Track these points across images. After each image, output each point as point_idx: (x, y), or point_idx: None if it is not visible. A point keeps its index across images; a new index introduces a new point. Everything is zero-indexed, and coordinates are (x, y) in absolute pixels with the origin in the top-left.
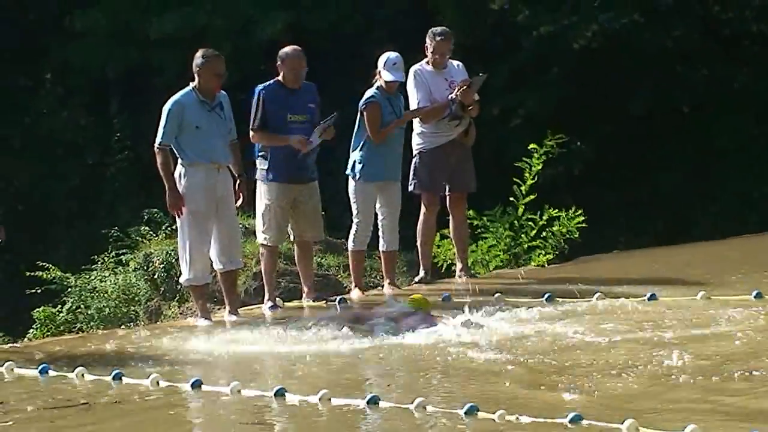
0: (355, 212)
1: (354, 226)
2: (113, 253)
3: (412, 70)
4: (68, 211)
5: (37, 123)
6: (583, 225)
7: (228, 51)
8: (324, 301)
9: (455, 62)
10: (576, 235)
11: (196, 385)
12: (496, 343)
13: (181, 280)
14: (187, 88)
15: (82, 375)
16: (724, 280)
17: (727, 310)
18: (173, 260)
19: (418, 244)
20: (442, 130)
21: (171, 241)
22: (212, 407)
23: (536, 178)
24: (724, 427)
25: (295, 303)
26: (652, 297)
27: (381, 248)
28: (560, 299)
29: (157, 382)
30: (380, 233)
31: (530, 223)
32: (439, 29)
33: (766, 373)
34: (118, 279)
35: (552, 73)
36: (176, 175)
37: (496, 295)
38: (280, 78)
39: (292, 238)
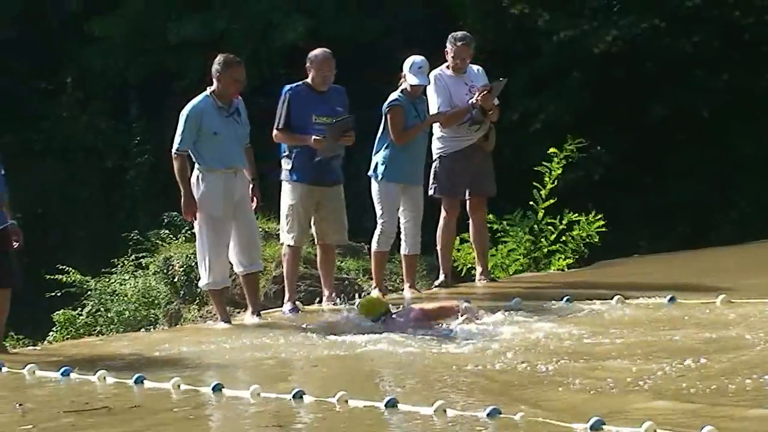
0: (379, 213)
1: (378, 227)
2: (133, 257)
3: (432, 74)
4: (88, 215)
5: (57, 127)
6: (603, 229)
7: (247, 55)
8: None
9: (475, 67)
10: (596, 240)
11: (217, 388)
12: (515, 346)
13: (201, 284)
14: (204, 93)
15: (104, 378)
16: (743, 285)
17: (746, 315)
18: (193, 263)
19: (438, 248)
20: (462, 135)
21: (191, 244)
22: (232, 410)
23: (556, 183)
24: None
25: (314, 306)
26: (672, 300)
27: (402, 252)
28: (580, 302)
29: (179, 386)
30: (402, 236)
31: (550, 227)
32: (460, 34)
33: None
34: (137, 282)
35: (572, 78)
36: (193, 179)
37: (516, 299)
38: (308, 80)
39: (315, 240)
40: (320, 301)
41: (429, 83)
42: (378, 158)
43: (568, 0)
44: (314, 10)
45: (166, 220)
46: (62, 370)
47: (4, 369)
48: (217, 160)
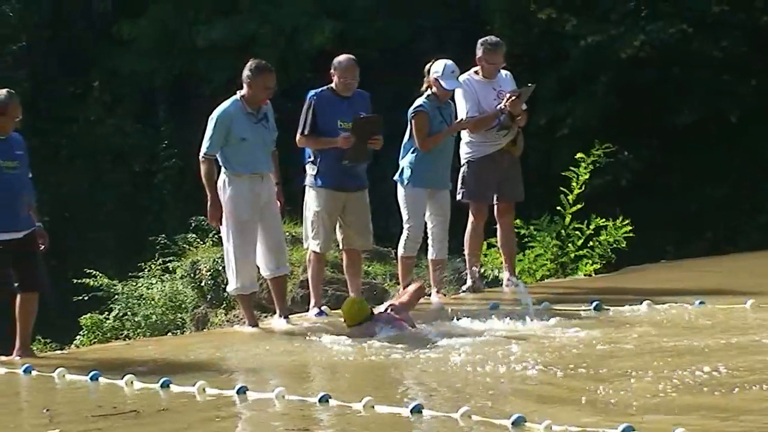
0: (405, 218)
1: (405, 232)
2: (160, 261)
3: (460, 79)
4: (115, 219)
5: (85, 131)
6: (631, 235)
7: (275, 59)
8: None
9: (504, 72)
10: (623, 245)
11: (242, 391)
12: (541, 351)
13: (229, 289)
14: (234, 97)
15: (131, 382)
16: None
17: None
18: (220, 268)
19: (466, 252)
20: (490, 140)
21: (218, 248)
22: (258, 414)
23: (583, 188)
24: None
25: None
26: (701, 305)
27: (430, 256)
28: (608, 307)
29: (204, 389)
30: (429, 241)
31: (577, 232)
32: (493, 39)
33: None
34: (164, 286)
35: (599, 83)
36: (219, 183)
37: (543, 303)
38: (332, 85)
39: (340, 246)
40: None
41: (461, 87)
42: (404, 163)
43: (596, 5)
44: (342, 14)
45: (193, 224)
46: (91, 374)
47: (34, 372)
48: (244, 165)
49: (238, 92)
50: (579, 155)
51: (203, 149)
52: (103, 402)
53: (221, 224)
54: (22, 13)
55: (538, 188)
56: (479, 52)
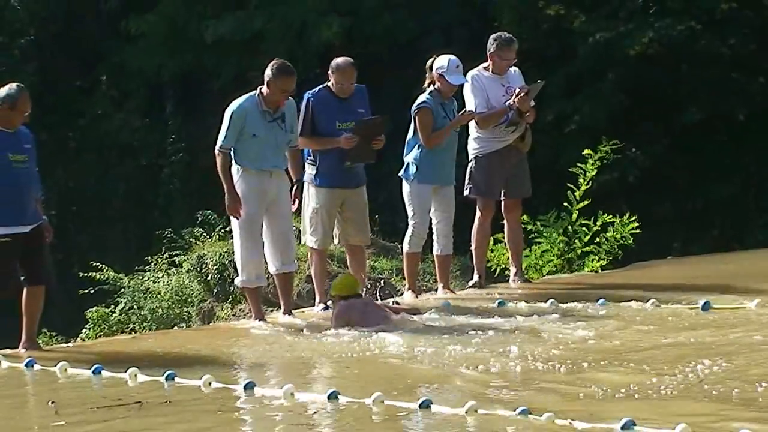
0: (410, 214)
1: (410, 228)
2: (166, 255)
3: (469, 75)
4: (122, 212)
5: (93, 125)
6: (637, 231)
7: (283, 55)
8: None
9: (513, 68)
10: (630, 242)
11: (249, 387)
12: (547, 346)
13: (236, 282)
14: (253, 93)
15: (135, 375)
16: None
17: None
18: (226, 262)
19: (473, 248)
20: (498, 136)
21: (224, 242)
22: (264, 409)
23: (590, 184)
24: None
25: None
26: (706, 303)
27: (435, 252)
28: (613, 304)
29: (210, 383)
30: (435, 237)
31: (584, 228)
32: (506, 35)
33: None
34: (171, 280)
35: (607, 80)
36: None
37: (550, 300)
38: (330, 84)
39: (336, 241)
40: None
41: (466, 82)
42: (409, 159)
43: (604, 2)
44: (350, 10)
45: (200, 219)
46: (94, 367)
47: (37, 366)
48: (251, 161)
49: (259, 88)
50: (586, 152)
51: (218, 143)
52: (107, 395)
53: (240, 215)
54: (30, 7)
55: (545, 184)
56: (492, 48)
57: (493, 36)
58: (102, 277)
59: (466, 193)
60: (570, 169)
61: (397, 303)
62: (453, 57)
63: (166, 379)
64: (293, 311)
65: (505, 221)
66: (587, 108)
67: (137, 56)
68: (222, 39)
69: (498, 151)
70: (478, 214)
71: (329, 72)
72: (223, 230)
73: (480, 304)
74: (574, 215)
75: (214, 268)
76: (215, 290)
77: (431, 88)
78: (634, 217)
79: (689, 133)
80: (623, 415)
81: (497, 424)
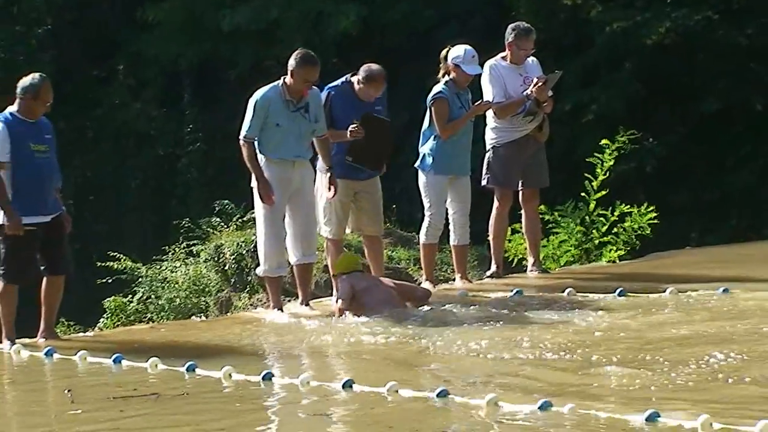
0: (427, 205)
1: (426, 219)
2: (184, 244)
3: (487, 64)
4: (139, 202)
5: (110, 114)
6: (655, 221)
7: (299, 44)
8: None
9: (530, 58)
10: (647, 232)
11: (267, 377)
12: (565, 337)
13: (257, 271)
14: (277, 83)
15: (156, 365)
16: None
17: None
18: (244, 251)
19: (490, 238)
20: (516, 126)
21: (242, 232)
22: (281, 399)
23: (608, 174)
24: None
25: None
26: (725, 292)
27: (452, 242)
28: (631, 294)
29: (230, 375)
30: (451, 227)
31: (602, 218)
32: (525, 25)
33: None
34: (188, 270)
35: (624, 70)
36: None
37: (568, 290)
38: (353, 81)
39: (349, 231)
40: None
41: (482, 72)
42: (425, 150)
43: None
44: None
45: (217, 208)
46: (114, 357)
47: (56, 355)
48: (273, 150)
49: (283, 77)
50: (604, 141)
51: (243, 132)
52: (126, 384)
53: (273, 201)
54: None
55: (562, 174)
56: (510, 37)
57: (511, 26)
58: (119, 266)
59: (483, 183)
60: (587, 159)
61: None
62: (468, 47)
63: (187, 370)
64: (310, 302)
65: (522, 211)
66: (604, 98)
67: (154, 45)
68: (239, 28)
69: (516, 141)
70: (495, 204)
71: (359, 77)
72: (240, 220)
73: (497, 294)
74: (592, 205)
75: (232, 257)
76: (233, 280)
77: (446, 78)
78: (651, 208)
79: (706, 123)
80: (642, 405)
81: (519, 415)
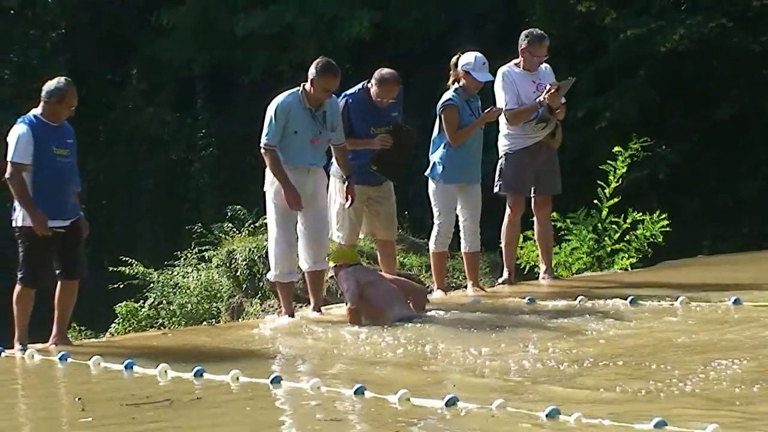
0: (436, 213)
1: (435, 228)
2: (196, 250)
3: (500, 71)
4: (152, 207)
5: (123, 118)
6: (667, 229)
7: (313, 49)
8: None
9: (544, 65)
10: (660, 239)
11: (276, 381)
12: (574, 345)
13: (269, 276)
14: (296, 89)
15: (165, 371)
16: None
17: None
18: (256, 257)
19: (502, 245)
20: (528, 132)
21: (254, 238)
22: (291, 403)
23: (621, 182)
24: None
25: None
26: (736, 302)
27: (463, 250)
28: (643, 302)
29: (237, 378)
30: (462, 235)
31: (614, 226)
32: (538, 32)
33: None
34: (200, 275)
35: (638, 77)
36: (268, 170)
37: (579, 297)
38: (369, 87)
39: (362, 235)
40: None
41: (493, 79)
42: (435, 158)
43: None
44: (381, 4)
45: (229, 213)
46: (126, 363)
47: (69, 359)
48: (290, 157)
49: (301, 84)
50: (616, 148)
51: (263, 140)
52: (137, 391)
53: (301, 207)
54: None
55: (575, 181)
56: (523, 44)
57: (525, 32)
58: (131, 271)
59: (496, 189)
60: (600, 166)
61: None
62: (479, 54)
63: (195, 375)
64: (322, 308)
65: (535, 218)
66: (618, 104)
67: (168, 49)
68: (253, 33)
69: (528, 148)
70: (508, 210)
71: (372, 81)
72: (252, 225)
73: (509, 301)
74: (604, 212)
75: (244, 263)
76: (244, 286)
77: (456, 85)
78: (664, 215)
79: (720, 130)
80: (650, 413)
81: (527, 421)
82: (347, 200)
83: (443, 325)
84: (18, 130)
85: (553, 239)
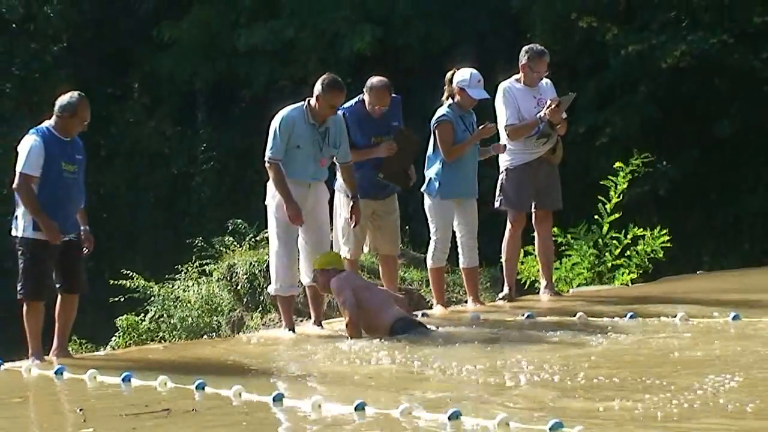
0: (433, 229)
1: (432, 243)
2: (197, 263)
3: (501, 86)
4: (153, 220)
5: (124, 132)
6: (668, 245)
7: (314, 64)
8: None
9: (545, 80)
10: (661, 255)
11: (277, 398)
12: (575, 362)
13: (269, 289)
14: (301, 104)
15: (165, 384)
16: None
17: None
18: (257, 271)
19: (503, 260)
20: (529, 148)
21: (255, 252)
22: (289, 420)
23: (621, 197)
24: None
25: None
26: (736, 318)
27: (462, 265)
28: (643, 318)
29: (240, 394)
30: (460, 250)
31: (615, 241)
32: (538, 47)
33: None
34: (201, 289)
35: (639, 92)
36: (269, 184)
37: (579, 314)
38: (365, 98)
39: (367, 250)
40: None
41: (489, 97)
42: (431, 174)
43: (637, 15)
44: (383, 20)
45: (230, 227)
46: (123, 375)
47: (66, 374)
48: (291, 171)
49: (306, 99)
50: (617, 164)
51: (267, 154)
52: (136, 402)
53: (303, 221)
54: (63, 13)
55: (576, 197)
56: (523, 59)
57: (525, 48)
58: (132, 284)
59: (497, 204)
60: (601, 182)
61: (426, 316)
62: (474, 71)
63: (197, 388)
64: (323, 322)
65: (535, 233)
66: (619, 120)
67: (169, 64)
68: (254, 47)
69: (529, 163)
70: (508, 226)
71: (364, 89)
72: (253, 239)
73: (509, 317)
74: (605, 228)
75: (245, 277)
76: (245, 299)
77: (450, 101)
78: (665, 231)
79: (721, 146)
80: (647, 429)
81: None
82: (352, 220)
83: (443, 340)
84: (30, 141)
85: (553, 254)
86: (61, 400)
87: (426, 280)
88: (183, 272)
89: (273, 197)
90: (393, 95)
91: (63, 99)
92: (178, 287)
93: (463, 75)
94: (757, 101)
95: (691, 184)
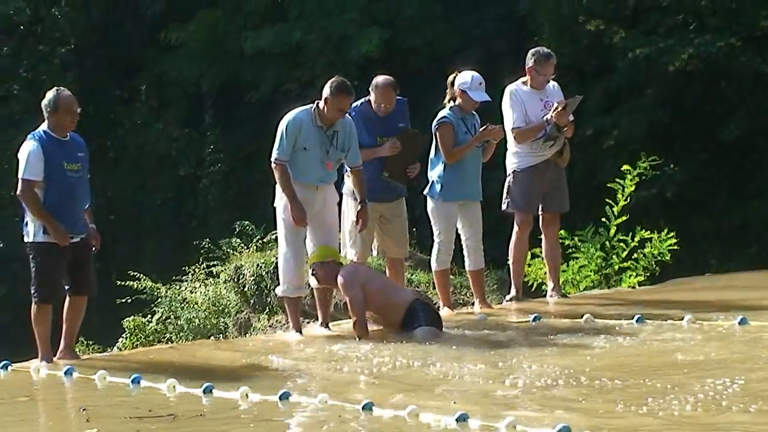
0: (436, 232)
1: (436, 246)
2: (204, 265)
3: (508, 89)
4: (160, 222)
5: (131, 134)
6: (675, 248)
7: (321, 67)
8: None
9: (551, 83)
10: (667, 258)
11: (285, 397)
12: (583, 363)
13: (277, 290)
14: (309, 106)
15: (173, 387)
16: None
17: None
18: (264, 273)
19: (510, 262)
20: (536, 150)
21: (262, 253)
22: (298, 419)
23: (629, 200)
24: None
25: None
26: (743, 321)
27: (468, 268)
28: (649, 321)
29: (247, 395)
30: (465, 253)
31: (622, 244)
32: (545, 50)
33: None
34: (208, 290)
35: (646, 96)
36: (278, 186)
37: (586, 316)
38: (371, 98)
39: (375, 253)
40: None
41: (490, 99)
42: (434, 177)
43: (644, 18)
44: (390, 23)
45: (237, 229)
46: (132, 377)
47: (75, 374)
48: (298, 173)
49: (315, 102)
50: (625, 167)
51: (274, 155)
52: (142, 405)
53: (307, 223)
54: (71, 16)
55: (583, 199)
56: (530, 62)
57: (532, 50)
58: (139, 286)
59: (504, 207)
60: (608, 185)
61: None
62: (476, 74)
63: (204, 392)
64: (330, 324)
65: (542, 236)
66: (626, 123)
67: (176, 66)
68: (261, 50)
69: (536, 166)
70: (515, 228)
71: (370, 89)
72: (260, 241)
73: (516, 319)
74: (612, 231)
75: (252, 279)
76: (252, 301)
77: (451, 103)
78: (672, 234)
79: (728, 150)
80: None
81: None
82: (359, 224)
83: (449, 342)
84: (28, 147)
85: (560, 257)
86: (68, 400)
87: (433, 282)
88: (190, 274)
89: (281, 199)
90: (399, 97)
91: (44, 99)
92: (185, 289)
93: (464, 78)
94: (764, 105)
95: (699, 187)
